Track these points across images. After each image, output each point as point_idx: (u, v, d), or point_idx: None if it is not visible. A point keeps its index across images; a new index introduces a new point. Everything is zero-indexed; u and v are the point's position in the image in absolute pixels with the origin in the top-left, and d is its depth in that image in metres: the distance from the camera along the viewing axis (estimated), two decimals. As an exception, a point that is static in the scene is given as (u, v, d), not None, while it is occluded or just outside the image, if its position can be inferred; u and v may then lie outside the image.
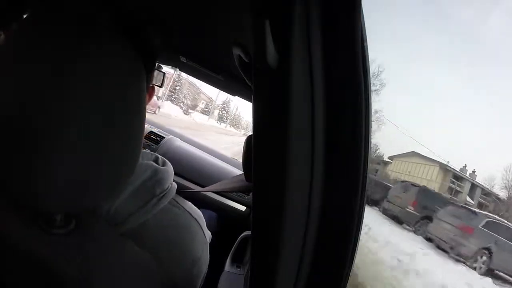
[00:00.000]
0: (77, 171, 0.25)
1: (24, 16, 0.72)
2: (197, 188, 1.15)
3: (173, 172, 0.37)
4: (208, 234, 0.40)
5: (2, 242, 0.27)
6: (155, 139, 1.22)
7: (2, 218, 0.28)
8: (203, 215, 0.41)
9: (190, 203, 0.40)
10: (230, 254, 0.91)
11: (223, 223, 1.12)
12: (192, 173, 1.16)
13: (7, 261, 0.28)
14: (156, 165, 0.35)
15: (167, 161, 0.38)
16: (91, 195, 0.27)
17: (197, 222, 0.38)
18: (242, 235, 0.98)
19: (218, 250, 0.55)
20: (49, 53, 0.25)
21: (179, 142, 1.29)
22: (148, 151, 0.38)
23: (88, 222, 0.30)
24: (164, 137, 1.25)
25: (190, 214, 0.38)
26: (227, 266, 0.87)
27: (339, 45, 0.26)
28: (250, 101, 0.71)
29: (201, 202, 1.14)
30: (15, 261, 0.28)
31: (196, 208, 0.40)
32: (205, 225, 0.40)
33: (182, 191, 0.38)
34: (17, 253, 0.28)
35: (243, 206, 1.18)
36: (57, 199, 0.26)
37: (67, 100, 0.25)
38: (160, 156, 0.38)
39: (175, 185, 0.37)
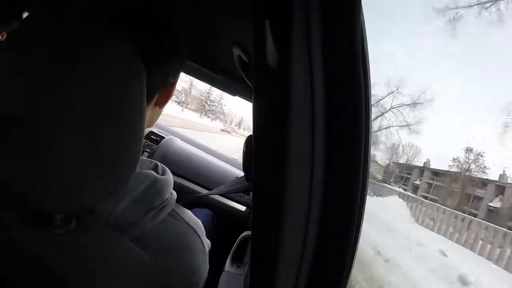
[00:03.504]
0: (77, 170, 0.25)
1: (24, 16, 0.73)
2: (197, 188, 1.15)
3: (172, 181, 0.36)
4: (207, 243, 0.40)
5: (2, 241, 0.27)
6: (155, 139, 1.22)
7: (2, 218, 0.28)
8: (200, 214, 0.41)
9: (189, 212, 0.39)
10: (230, 254, 0.91)
11: (223, 223, 1.12)
12: (192, 173, 1.16)
13: (8, 260, 0.28)
14: (156, 174, 0.34)
15: (166, 169, 0.37)
16: (91, 194, 0.27)
17: (196, 233, 0.38)
18: (242, 235, 0.98)
19: (218, 250, 0.55)
20: (48, 53, 0.25)
21: (179, 142, 1.29)
22: (146, 158, 0.37)
23: (88, 222, 0.30)
24: (164, 137, 1.25)
25: (189, 225, 0.37)
26: (227, 266, 0.87)
27: (339, 45, 0.26)
28: (250, 101, 0.71)
29: (200, 202, 1.14)
30: (16, 260, 0.28)
31: (195, 217, 0.40)
32: (204, 234, 0.39)
33: (182, 197, 0.38)
34: (18, 252, 0.28)
35: (243, 206, 1.18)
36: (56, 198, 0.26)
37: (67, 100, 0.25)
38: (159, 164, 0.37)
39: (174, 195, 0.36)
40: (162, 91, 0.38)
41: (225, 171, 1.25)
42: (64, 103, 0.25)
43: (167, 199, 0.34)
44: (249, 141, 0.48)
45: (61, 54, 0.25)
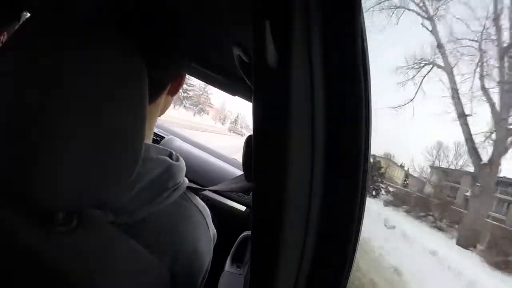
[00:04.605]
0: (78, 169, 0.26)
1: (23, 16, 0.73)
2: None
3: (185, 168, 0.38)
4: (213, 231, 0.42)
5: (3, 240, 0.27)
6: (155, 139, 1.22)
7: (4, 217, 0.28)
8: None
9: (199, 199, 0.41)
10: (230, 254, 0.91)
11: (223, 223, 1.12)
12: (192, 173, 1.16)
13: (9, 259, 0.28)
14: (170, 160, 0.36)
15: (180, 157, 0.39)
16: (92, 193, 0.27)
17: (203, 215, 0.39)
18: (242, 235, 0.98)
19: (218, 250, 0.55)
20: (49, 53, 0.25)
21: (179, 142, 1.29)
22: (161, 146, 0.39)
23: (90, 220, 0.30)
24: (164, 137, 1.25)
25: (197, 207, 0.39)
26: (227, 266, 0.87)
27: (339, 45, 0.26)
28: (250, 101, 0.71)
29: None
30: (17, 259, 0.28)
31: (204, 204, 0.41)
32: (211, 221, 0.41)
33: (188, 187, 0.39)
34: (19, 252, 0.28)
35: (243, 206, 1.18)
36: (58, 197, 0.26)
37: (67, 99, 0.25)
38: (174, 152, 0.39)
39: (186, 181, 0.38)
40: (174, 81, 0.39)
41: (225, 171, 1.25)
42: (64, 103, 0.25)
43: (180, 182, 0.36)
44: (249, 141, 0.48)
45: (61, 54, 0.25)
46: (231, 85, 0.87)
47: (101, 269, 0.29)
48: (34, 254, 0.28)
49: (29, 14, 0.74)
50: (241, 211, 1.18)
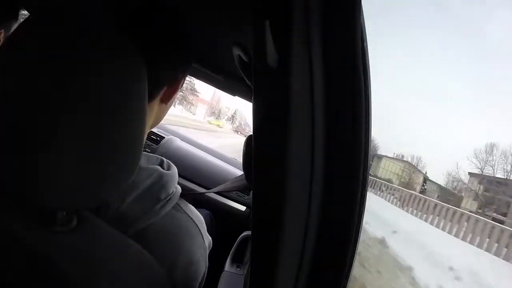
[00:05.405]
0: (78, 169, 0.26)
1: (21, 15, 0.72)
2: (197, 188, 1.15)
3: (177, 176, 0.37)
4: (208, 240, 0.41)
5: (3, 240, 0.27)
6: (155, 139, 1.22)
7: (4, 217, 0.28)
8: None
9: (192, 207, 0.40)
10: (230, 254, 0.91)
11: (223, 223, 1.12)
12: (192, 173, 1.16)
13: (9, 259, 0.28)
14: (162, 169, 0.35)
15: (172, 164, 0.38)
16: (92, 192, 0.27)
17: (197, 227, 0.39)
18: (242, 235, 0.98)
19: (217, 250, 0.55)
20: (48, 53, 0.25)
21: (179, 142, 1.29)
22: (153, 154, 0.38)
23: (90, 220, 0.30)
24: (164, 137, 1.25)
25: (191, 219, 0.38)
26: (227, 266, 0.87)
27: (339, 45, 0.26)
28: (250, 101, 0.71)
29: (200, 202, 1.14)
30: (17, 259, 0.28)
31: (198, 213, 0.41)
32: (206, 230, 0.40)
33: (184, 194, 0.39)
34: (19, 251, 0.28)
35: (243, 206, 1.18)
36: (58, 196, 0.26)
37: (67, 99, 0.25)
38: (165, 160, 0.38)
39: (179, 189, 0.37)
40: (169, 86, 0.38)
41: (225, 171, 1.25)
42: (64, 103, 0.25)
43: (172, 193, 0.35)
44: (249, 141, 0.48)
45: (61, 54, 0.25)
46: (231, 85, 0.87)
47: (100, 269, 0.29)
48: (34, 254, 0.27)
49: (27, 13, 0.73)
50: (241, 211, 1.18)
